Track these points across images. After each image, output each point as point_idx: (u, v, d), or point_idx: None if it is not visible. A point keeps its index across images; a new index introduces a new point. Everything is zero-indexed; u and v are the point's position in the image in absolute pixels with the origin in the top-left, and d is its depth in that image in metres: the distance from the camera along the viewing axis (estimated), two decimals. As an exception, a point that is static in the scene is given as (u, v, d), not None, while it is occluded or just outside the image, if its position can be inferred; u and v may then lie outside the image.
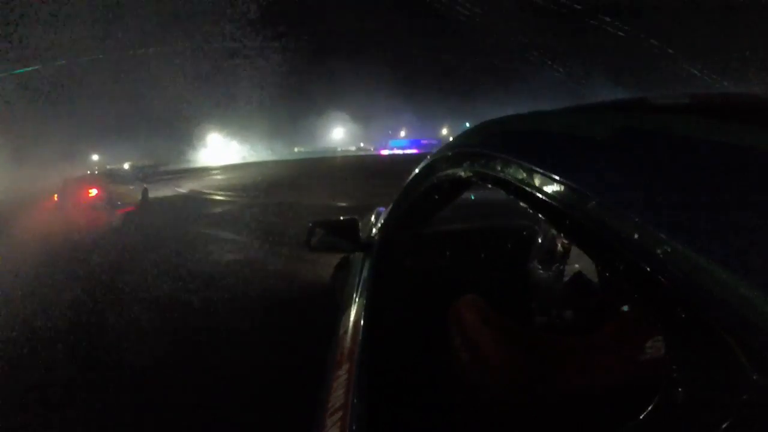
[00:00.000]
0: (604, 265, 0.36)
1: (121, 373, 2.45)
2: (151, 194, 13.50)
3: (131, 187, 11.60)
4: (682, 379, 0.28)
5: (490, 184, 0.56)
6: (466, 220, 1.50)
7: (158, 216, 9.98)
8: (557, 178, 0.42)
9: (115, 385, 2.33)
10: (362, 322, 0.89)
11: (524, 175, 0.48)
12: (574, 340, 0.56)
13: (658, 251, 0.30)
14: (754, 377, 0.24)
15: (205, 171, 26.16)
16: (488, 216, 1.53)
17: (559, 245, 0.69)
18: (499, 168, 0.54)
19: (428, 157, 0.85)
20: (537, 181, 0.45)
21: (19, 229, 8.14)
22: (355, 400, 0.67)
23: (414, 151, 44.98)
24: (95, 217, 8.95)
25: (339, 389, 0.75)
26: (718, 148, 0.35)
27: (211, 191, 14.91)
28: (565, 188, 0.41)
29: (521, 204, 0.49)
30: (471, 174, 0.62)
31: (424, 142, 56.68)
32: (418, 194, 0.87)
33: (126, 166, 13.63)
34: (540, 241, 0.77)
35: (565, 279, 0.67)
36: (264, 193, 12.23)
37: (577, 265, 0.65)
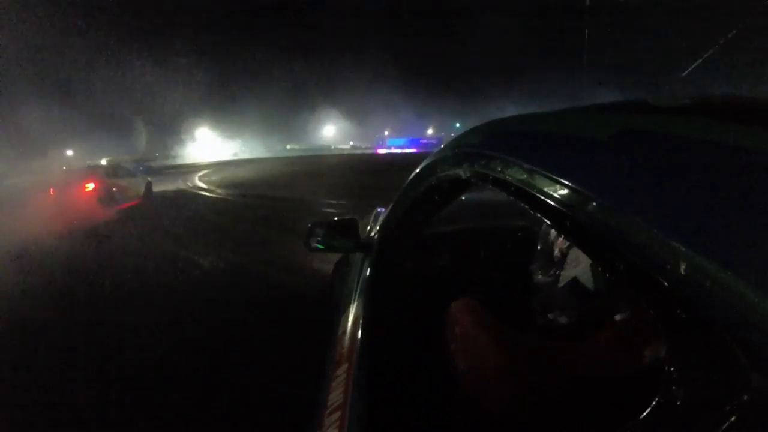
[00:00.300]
0: (604, 265, 0.36)
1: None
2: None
3: (134, 180, 10.92)
4: (682, 379, 0.28)
5: (490, 185, 0.56)
6: (467, 221, 1.50)
7: (161, 212, 9.24)
8: (557, 178, 0.42)
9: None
10: (361, 322, 0.89)
11: (524, 175, 0.48)
12: (571, 344, 0.56)
13: (658, 251, 0.30)
14: (754, 377, 0.24)
15: (189, 170, 24.44)
16: (488, 216, 1.54)
17: (556, 250, 0.69)
18: (499, 168, 0.54)
19: (428, 157, 0.85)
20: (537, 182, 0.45)
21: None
22: (354, 400, 0.67)
23: (413, 150, 44.79)
24: (90, 214, 8.12)
25: (338, 389, 0.75)
26: (718, 149, 0.35)
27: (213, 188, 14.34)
28: (565, 189, 0.41)
29: (521, 204, 0.49)
30: (471, 174, 0.62)
31: (423, 141, 56.45)
32: (417, 194, 0.87)
33: (103, 161, 12.90)
34: (541, 242, 0.77)
35: (561, 285, 0.67)
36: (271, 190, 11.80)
37: (572, 272, 0.65)
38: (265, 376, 2.16)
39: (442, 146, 0.79)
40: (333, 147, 59.37)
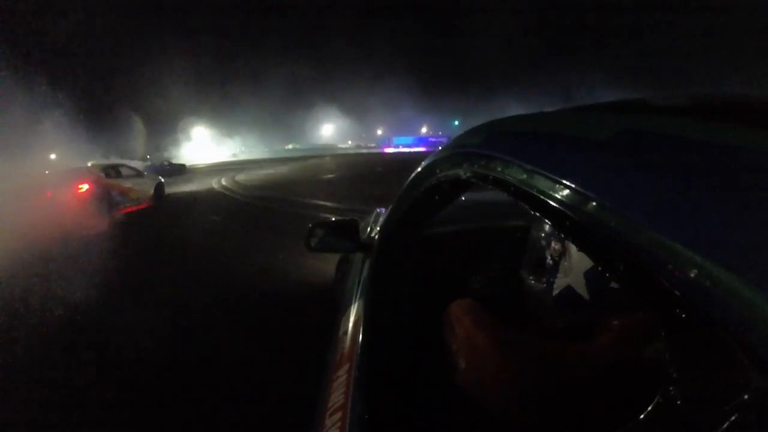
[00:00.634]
0: (604, 265, 0.36)
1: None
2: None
3: (141, 181, 9.62)
4: (682, 379, 0.28)
5: (490, 185, 0.56)
6: (467, 221, 1.50)
7: (172, 220, 7.99)
8: (557, 178, 0.42)
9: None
10: (362, 322, 0.89)
11: (524, 175, 0.48)
12: (571, 345, 0.56)
13: (658, 251, 0.30)
14: (754, 377, 0.24)
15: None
16: (488, 216, 1.54)
17: (549, 257, 0.69)
18: (499, 168, 0.54)
19: (428, 157, 0.85)
20: (537, 182, 0.45)
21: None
22: (355, 400, 0.68)
23: (422, 149, 44.23)
24: (79, 223, 6.61)
25: (339, 389, 0.75)
26: (718, 149, 0.35)
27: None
28: (565, 189, 0.41)
29: (521, 204, 0.49)
30: (471, 174, 0.62)
31: (432, 139, 55.98)
32: (418, 194, 0.87)
33: (89, 164, 10.89)
34: (528, 248, 0.77)
35: (555, 293, 0.67)
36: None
37: (566, 279, 0.65)
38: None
39: (442, 146, 0.79)
40: (339, 146, 58.72)
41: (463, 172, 0.64)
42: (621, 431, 0.31)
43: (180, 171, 23.91)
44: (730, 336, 0.25)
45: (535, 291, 0.71)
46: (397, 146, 54.72)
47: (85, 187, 7.65)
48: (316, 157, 34.47)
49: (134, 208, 8.95)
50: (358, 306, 1.00)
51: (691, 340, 0.28)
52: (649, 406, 0.29)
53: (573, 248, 0.65)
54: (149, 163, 26.02)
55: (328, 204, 8.37)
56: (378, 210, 1.86)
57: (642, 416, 0.30)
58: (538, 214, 0.45)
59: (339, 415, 0.68)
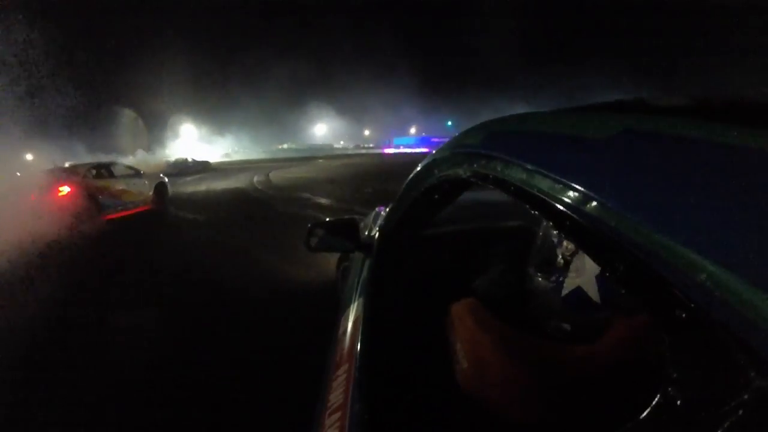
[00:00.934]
0: (604, 265, 0.36)
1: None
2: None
3: (138, 181, 8.33)
4: (682, 379, 0.28)
5: (490, 185, 0.56)
6: (467, 221, 1.50)
7: (172, 226, 6.95)
8: (557, 178, 0.42)
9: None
10: (362, 322, 0.89)
11: (524, 175, 0.48)
12: (572, 346, 0.56)
13: (658, 251, 0.30)
14: (754, 377, 0.24)
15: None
16: (488, 216, 1.54)
17: (560, 256, 0.68)
18: (499, 168, 0.54)
19: (428, 156, 0.85)
20: (537, 182, 0.45)
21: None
22: (355, 400, 0.68)
23: (425, 149, 43.63)
24: (57, 227, 5.66)
25: (338, 389, 0.75)
26: (717, 149, 0.35)
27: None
28: (565, 188, 0.41)
29: (521, 204, 0.49)
30: (471, 174, 0.62)
31: (434, 140, 55.21)
32: (417, 194, 0.87)
33: (66, 164, 9.76)
34: (538, 245, 0.77)
35: (564, 293, 0.66)
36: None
37: (577, 281, 0.64)
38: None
39: (442, 146, 0.79)
40: (334, 146, 57.06)
41: (463, 172, 0.64)
42: (621, 431, 0.31)
43: (204, 168, 22.78)
44: (730, 336, 0.25)
45: (541, 289, 0.71)
46: (397, 146, 53.69)
47: (65, 190, 6.57)
48: (322, 158, 32.04)
49: (128, 213, 7.74)
50: (357, 306, 1.00)
51: (691, 341, 0.28)
52: (649, 406, 0.29)
53: None
54: (171, 159, 24.60)
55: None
56: (378, 210, 1.86)
57: (642, 416, 0.30)
58: (538, 213, 0.45)
59: (338, 414, 0.68)
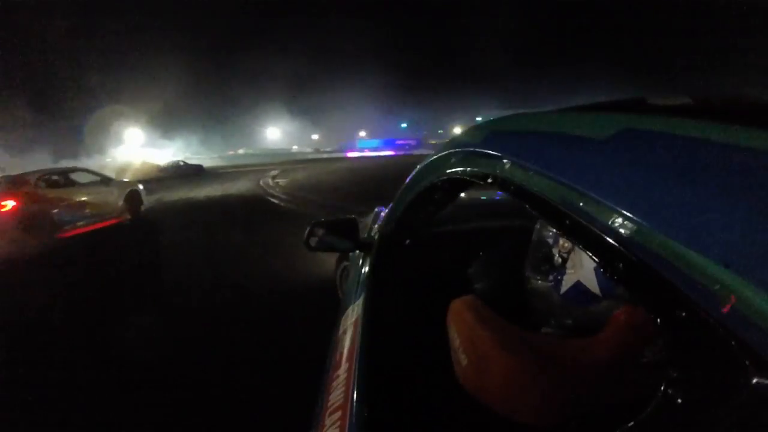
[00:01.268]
0: (604, 265, 0.36)
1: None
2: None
3: (105, 190, 7.03)
4: (682, 379, 0.28)
5: (490, 185, 0.56)
6: (467, 221, 1.50)
7: (141, 246, 5.60)
8: (557, 178, 0.42)
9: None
10: (362, 321, 0.89)
11: (524, 175, 0.48)
12: (573, 342, 0.56)
13: (658, 251, 0.30)
14: (754, 377, 0.24)
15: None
16: (488, 216, 1.54)
17: (557, 254, 0.69)
18: (499, 168, 0.54)
19: (428, 156, 0.85)
20: (537, 182, 0.45)
21: None
22: (355, 400, 0.68)
23: (390, 152, 41.02)
24: None
25: (338, 388, 0.75)
26: (718, 149, 0.35)
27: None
28: (564, 188, 0.41)
29: (521, 204, 0.49)
30: (471, 174, 0.62)
31: (399, 142, 52.63)
32: (417, 194, 0.87)
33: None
34: (533, 247, 0.77)
35: (564, 290, 0.66)
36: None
37: (575, 276, 0.65)
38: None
39: (442, 145, 0.79)
40: (292, 150, 53.53)
41: (463, 172, 0.64)
42: (621, 431, 0.31)
43: (197, 172, 21.68)
44: (730, 336, 0.25)
45: (541, 290, 0.71)
46: (362, 149, 50.59)
47: (9, 204, 5.48)
48: (288, 164, 26.99)
49: (91, 228, 6.50)
50: (357, 305, 1.00)
51: (691, 340, 0.28)
52: (649, 406, 0.29)
53: None
54: (169, 162, 23.37)
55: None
56: (378, 209, 1.86)
57: (642, 416, 0.30)
58: (538, 213, 0.45)
59: (338, 414, 0.68)
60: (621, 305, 0.58)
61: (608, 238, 0.34)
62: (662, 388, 0.29)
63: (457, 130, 63.33)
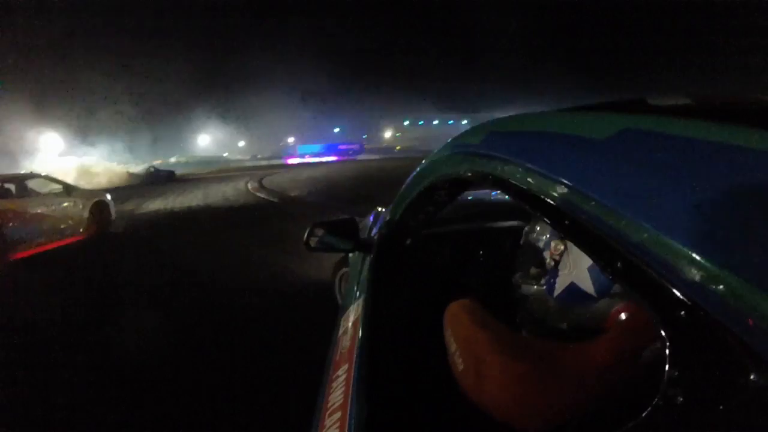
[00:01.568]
0: (604, 265, 0.36)
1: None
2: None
3: (67, 201, 6.01)
4: (682, 379, 0.28)
5: (490, 185, 0.56)
6: (466, 221, 1.50)
7: (106, 269, 4.42)
8: (557, 178, 0.42)
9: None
10: (362, 322, 0.89)
11: (524, 175, 0.48)
12: (571, 345, 0.56)
13: (658, 251, 0.30)
14: (754, 377, 0.24)
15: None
16: (488, 216, 1.54)
17: (549, 258, 0.69)
18: (499, 168, 0.54)
19: (428, 156, 0.85)
20: (537, 181, 0.45)
21: None
22: (355, 400, 0.68)
23: (333, 158, 38.38)
24: None
25: (338, 389, 0.75)
26: (718, 149, 0.35)
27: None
28: (565, 188, 0.41)
29: (521, 204, 0.49)
30: (471, 174, 0.62)
31: (342, 146, 49.85)
32: (418, 194, 0.87)
33: None
34: (524, 251, 0.77)
35: (557, 292, 0.66)
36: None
37: (569, 277, 0.65)
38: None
39: (443, 146, 0.79)
40: (226, 155, 50.06)
41: (463, 172, 0.64)
42: (621, 431, 0.31)
43: (168, 178, 21.66)
44: (730, 336, 0.25)
45: (533, 294, 0.71)
46: (302, 155, 48.09)
47: None
48: (234, 172, 23.97)
49: (50, 246, 5.47)
50: (357, 305, 1.00)
51: (691, 340, 0.28)
52: (649, 406, 0.29)
53: (573, 245, 0.65)
54: (148, 167, 23.41)
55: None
56: (378, 209, 1.86)
57: (642, 416, 0.30)
58: (537, 213, 0.45)
59: (338, 414, 0.68)
60: (616, 304, 0.58)
61: (608, 239, 0.34)
62: (662, 388, 0.29)
63: (387, 134, 62.57)
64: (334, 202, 8.29)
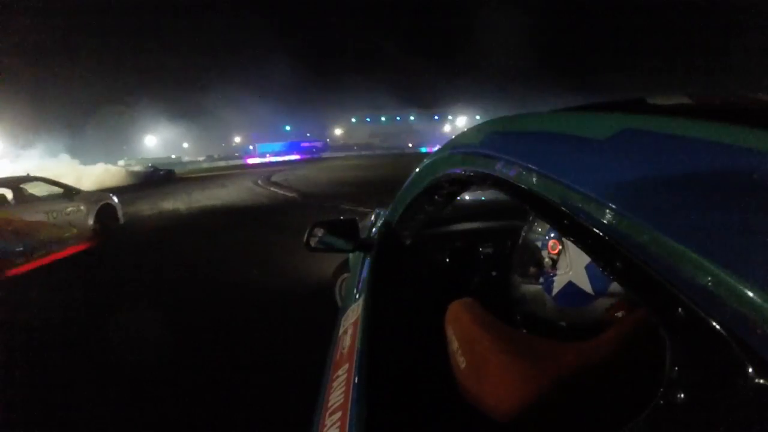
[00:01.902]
0: (604, 265, 0.36)
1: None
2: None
3: (69, 206, 5.37)
4: (682, 379, 0.28)
5: (490, 185, 0.56)
6: (466, 221, 1.50)
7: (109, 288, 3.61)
8: (557, 178, 0.42)
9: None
10: (362, 322, 0.89)
11: (524, 175, 0.48)
12: (571, 344, 0.56)
13: (658, 251, 0.30)
14: (754, 377, 0.24)
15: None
16: (488, 216, 1.54)
17: (547, 257, 0.69)
18: (499, 168, 0.54)
19: (428, 157, 0.85)
20: (537, 181, 0.45)
21: None
22: (355, 400, 0.68)
23: (297, 157, 36.74)
24: None
25: (339, 389, 0.75)
26: (717, 149, 0.35)
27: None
28: (564, 188, 0.41)
29: (521, 204, 0.49)
30: (471, 174, 0.62)
31: (305, 144, 46.84)
32: (417, 194, 0.87)
33: None
34: (521, 251, 0.77)
35: (555, 292, 0.66)
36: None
37: (567, 276, 0.65)
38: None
39: (443, 146, 0.79)
40: (183, 159, 43.76)
41: (463, 172, 0.64)
42: (621, 431, 0.31)
43: (167, 177, 21.31)
44: (730, 336, 0.25)
45: (532, 293, 0.71)
46: (263, 155, 44.68)
47: None
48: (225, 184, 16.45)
49: (52, 258, 4.57)
50: (358, 305, 1.00)
51: (691, 340, 0.28)
52: (649, 406, 0.29)
53: (571, 244, 0.65)
54: (148, 166, 23.04)
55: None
56: (378, 210, 1.86)
57: (642, 416, 0.30)
58: (537, 213, 0.45)
59: (339, 414, 0.68)
60: (614, 302, 0.58)
61: (608, 239, 0.34)
62: (662, 388, 0.29)
63: (338, 132, 60.72)
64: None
